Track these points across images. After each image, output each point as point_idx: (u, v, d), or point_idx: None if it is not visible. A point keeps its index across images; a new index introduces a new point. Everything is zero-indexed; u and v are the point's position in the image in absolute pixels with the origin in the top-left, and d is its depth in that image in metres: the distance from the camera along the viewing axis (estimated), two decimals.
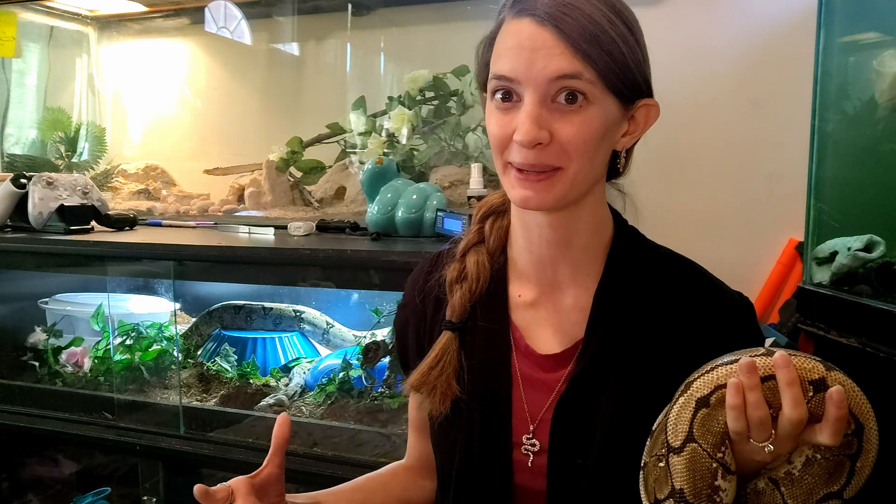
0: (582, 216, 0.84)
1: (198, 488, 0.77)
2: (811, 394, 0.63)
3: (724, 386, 0.66)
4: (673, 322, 0.83)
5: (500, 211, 0.93)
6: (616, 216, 0.91)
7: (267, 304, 1.90)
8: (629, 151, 0.86)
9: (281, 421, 0.85)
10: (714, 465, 0.66)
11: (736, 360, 0.66)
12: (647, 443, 0.73)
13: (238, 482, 0.80)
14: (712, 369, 0.68)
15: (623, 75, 0.76)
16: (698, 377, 0.69)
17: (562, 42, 0.73)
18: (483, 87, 0.85)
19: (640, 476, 0.72)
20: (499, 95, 0.78)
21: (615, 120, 0.79)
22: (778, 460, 0.68)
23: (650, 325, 0.83)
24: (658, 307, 0.84)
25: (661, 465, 0.69)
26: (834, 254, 1.32)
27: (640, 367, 0.81)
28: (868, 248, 1.27)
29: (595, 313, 0.84)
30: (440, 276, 0.93)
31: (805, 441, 0.66)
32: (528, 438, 0.84)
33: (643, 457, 0.73)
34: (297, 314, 1.87)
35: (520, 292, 0.89)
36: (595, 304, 0.84)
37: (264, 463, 0.84)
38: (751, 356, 0.66)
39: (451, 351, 0.87)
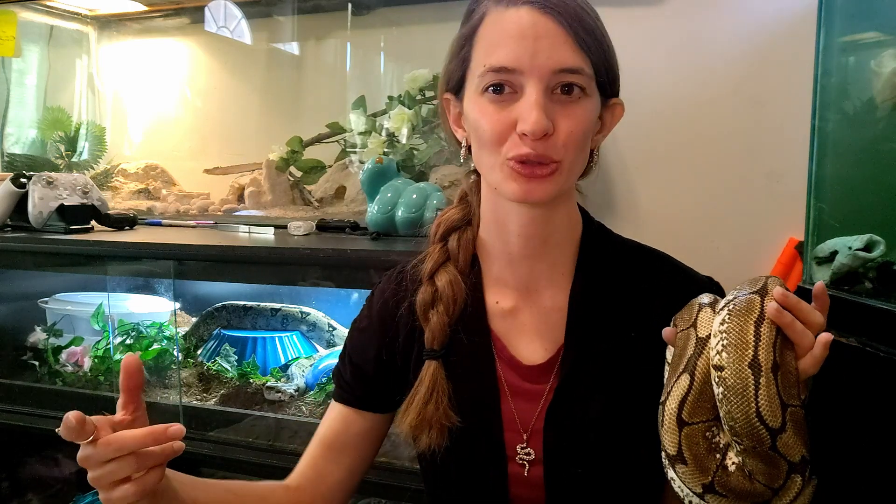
0: (559, 212, 0.83)
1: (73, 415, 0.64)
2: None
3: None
4: (648, 313, 0.82)
5: (461, 226, 0.89)
6: (583, 213, 0.89)
7: (268, 305, 1.90)
8: (597, 150, 0.85)
9: (126, 364, 0.70)
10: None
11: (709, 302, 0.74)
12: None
13: (100, 420, 0.67)
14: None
15: (609, 71, 0.77)
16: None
17: (564, 31, 0.72)
18: (455, 88, 0.82)
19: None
20: (491, 89, 0.75)
21: (597, 116, 0.79)
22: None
23: (627, 319, 0.83)
24: (632, 300, 0.84)
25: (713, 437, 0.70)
26: (834, 253, 1.31)
27: (624, 364, 0.81)
28: (868, 247, 1.27)
29: (572, 319, 0.83)
30: (410, 302, 0.88)
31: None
32: (522, 448, 0.83)
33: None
34: (303, 315, 1.87)
35: (497, 299, 0.87)
36: (571, 309, 0.83)
37: (118, 412, 0.70)
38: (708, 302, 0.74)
39: (440, 380, 0.83)
